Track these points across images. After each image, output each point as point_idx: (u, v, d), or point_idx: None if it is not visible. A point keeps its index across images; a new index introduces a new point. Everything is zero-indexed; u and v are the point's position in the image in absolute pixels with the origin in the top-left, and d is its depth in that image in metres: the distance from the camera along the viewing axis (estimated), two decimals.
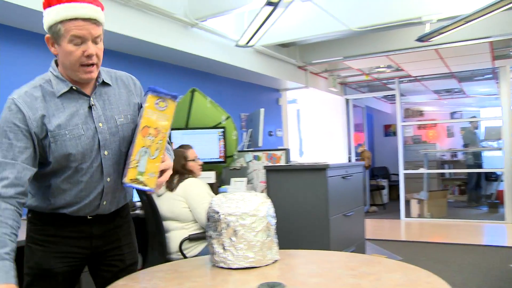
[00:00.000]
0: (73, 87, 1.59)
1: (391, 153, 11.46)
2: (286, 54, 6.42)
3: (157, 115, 1.49)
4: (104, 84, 1.68)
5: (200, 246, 3.05)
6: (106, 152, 1.63)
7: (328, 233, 3.53)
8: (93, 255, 1.75)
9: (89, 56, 1.53)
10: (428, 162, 9.30)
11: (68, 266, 1.69)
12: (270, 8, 3.71)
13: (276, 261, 1.74)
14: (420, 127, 12.13)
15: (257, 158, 4.49)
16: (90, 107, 1.61)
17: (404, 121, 9.46)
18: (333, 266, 1.70)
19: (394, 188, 10.81)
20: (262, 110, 4.92)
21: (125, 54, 4.48)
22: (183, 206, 3.07)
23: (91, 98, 1.63)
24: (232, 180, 4.31)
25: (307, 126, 8.99)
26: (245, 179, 4.31)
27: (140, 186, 1.48)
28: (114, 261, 1.80)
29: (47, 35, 1.54)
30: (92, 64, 1.56)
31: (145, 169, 1.47)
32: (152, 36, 4.12)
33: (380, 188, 9.97)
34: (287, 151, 4.37)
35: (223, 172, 4.43)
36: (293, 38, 5.60)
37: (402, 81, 8.55)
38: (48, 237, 1.67)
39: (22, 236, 1.61)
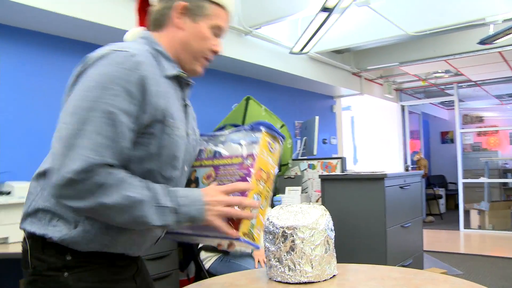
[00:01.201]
0: (182, 73, 1.29)
1: (448, 161, 11.08)
2: (341, 61, 6.33)
3: (269, 157, 1.24)
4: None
5: (213, 259, 2.93)
6: (186, 168, 1.31)
7: (385, 245, 3.42)
8: None
9: (216, 52, 1.35)
10: (489, 170, 8.89)
11: None
12: (325, 14, 3.66)
13: (334, 276, 1.68)
14: (480, 134, 11.64)
15: (312, 166, 4.43)
16: (185, 106, 1.33)
17: (462, 128, 9.10)
18: (396, 284, 1.62)
19: (451, 197, 10.44)
20: (316, 118, 4.86)
21: None
22: None
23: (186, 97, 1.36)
24: (287, 189, 4.27)
25: (361, 133, 8.82)
26: (299, 188, 4.25)
27: (251, 241, 1.20)
28: None
29: (184, 3, 1.27)
30: (209, 61, 1.37)
31: (256, 221, 1.21)
32: None
33: (437, 197, 9.64)
34: (342, 159, 4.28)
35: (277, 180, 4.40)
36: (347, 44, 5.50)
37: (461, 86, 8.24)
38: (106, 283, 1.20)
39: None
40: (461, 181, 7.88)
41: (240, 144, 1.26)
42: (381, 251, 3.44)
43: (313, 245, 1.61)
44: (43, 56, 3.45)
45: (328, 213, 1.73)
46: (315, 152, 4.73)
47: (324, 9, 3.51)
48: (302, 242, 1.60)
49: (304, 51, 4.63)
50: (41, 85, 3.40)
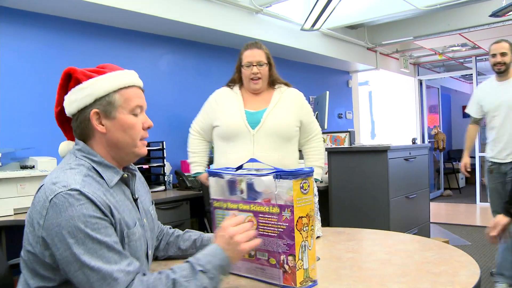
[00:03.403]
0: (124, 174, 1.33)
1: None
2: (355, 36, 6.38)
3: (304, 200, 1.26)
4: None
5: None
6: (149, 252, 1.39)
7: (388, 215, 3.56)
8: None
9: (149, 127, 1.36)
10: None
11: None
12: None
13: (318, 237, 1.85)
14: None
15: None
16: (135, 200, 1.36)
17: None
18: (372, 243, 1.79)
19: (472, 171, 10.39)
20: (327, 93, 4.96)
21: (193, 42, 4.70)
22: None
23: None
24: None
25: (379, 108, 8.86)
26: None
27: (310, 284, 1.29)
28: None
29: (94, 110, 1.27)
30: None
31: (308, 264, 1.28)
32: (219, 24, 4.30)
33: (455, 171, 9.65)
34: (350, 133, 4.41)
35: None
36: (360, 20, 5.55)
37: (481, 59, 8.17)
38: None
39: None
40: (478, 154, 7.89)
41: (263, 190, 1.30)
42: (385, 220, 3.58)
43: None
44: (62, 39, 3.65)
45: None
46: (325, 126, 4.85)
47: None
48: None
49: (315, 28, 4.72)
50: (60, 66, 3.60)
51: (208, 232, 3.81)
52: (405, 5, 4.95)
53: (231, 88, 2.71)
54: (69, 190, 1.13)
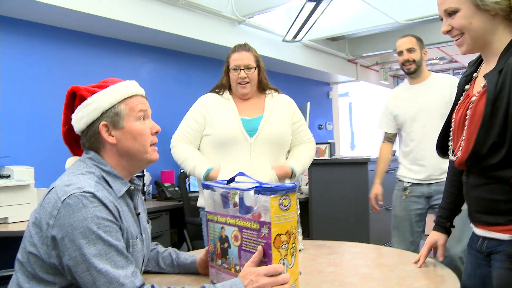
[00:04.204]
0: (130, 186, 1.36)
1: None
2: (336, 48, 6.43)
3: (284, 216, 1.20)
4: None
5: None
6: (144, 259, 1.44)
7: (368, 226, 3.57)
8: None
9: (157, 132, 1.39)
10: None
11: None
12: (313, 4, 3.78)
13: (300, 250, 1.84)
14: None
15: None
16: (137, 215, 1.41)
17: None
18: (353, 257, 1.79)
19: None
20: (308, 104, 4.98)
21: (175, 51, 4.68)
22: None
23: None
24: None
25: (359, 119, 8.94)
26: None
27: None
28: None
29: (103, 122, 1.30)
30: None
31: (290, 280, 1.21)
32: (201, 34, 4.29)
33: None
34: (331, 144, 4.42)
35: None
36: (341, 32, 5.60)
37: (458, 72, 8.31)
38: None
39: None
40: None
41: (253, 205, 1.25)
42: (364, 232, 3.60)
43: None
44: (43, 47, 3.60)
45: None
46: None
47: None
48: None
49: (296, 39, 4.75)
50: (41, 74, 3.55)
51: (187, 243, 3.79)
52: (385, 19, 5.01)
53: (220, 94, 2.48)
54: (83, 192, 1.16)
